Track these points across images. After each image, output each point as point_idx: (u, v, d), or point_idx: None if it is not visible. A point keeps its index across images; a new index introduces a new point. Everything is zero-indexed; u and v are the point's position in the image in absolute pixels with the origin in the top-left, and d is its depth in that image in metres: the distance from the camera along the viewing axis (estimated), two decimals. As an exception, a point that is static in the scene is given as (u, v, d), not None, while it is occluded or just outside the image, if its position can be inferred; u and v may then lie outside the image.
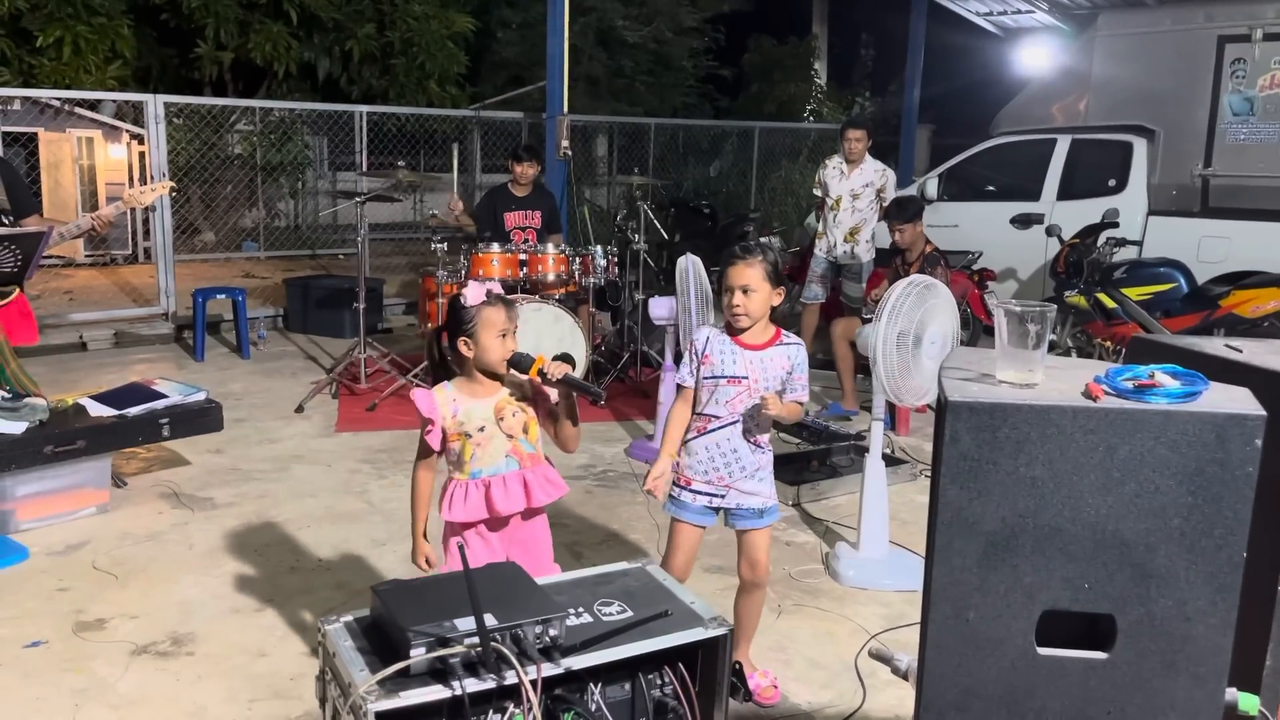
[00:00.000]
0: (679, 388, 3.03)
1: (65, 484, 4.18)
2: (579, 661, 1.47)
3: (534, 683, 1.40)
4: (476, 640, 1.41)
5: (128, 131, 10.08)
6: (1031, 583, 1.48)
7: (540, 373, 2.53)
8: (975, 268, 7.89)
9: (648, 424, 5.93)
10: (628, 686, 1.57)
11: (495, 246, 6.29)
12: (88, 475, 4.25)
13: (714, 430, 2.95)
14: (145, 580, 3.75)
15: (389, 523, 4.37)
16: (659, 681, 1.59)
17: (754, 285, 2.88)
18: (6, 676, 3.07)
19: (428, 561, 2.69)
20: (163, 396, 4.45)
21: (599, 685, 1.53)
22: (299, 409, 5.97)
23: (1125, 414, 1.43)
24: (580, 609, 1.62)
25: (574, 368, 6.27)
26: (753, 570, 3.09)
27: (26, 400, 4.11)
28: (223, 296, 7.41)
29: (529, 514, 2.70)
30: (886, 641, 3.53)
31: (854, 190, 6.99)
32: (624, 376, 6.85)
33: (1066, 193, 8.38)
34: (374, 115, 10.45)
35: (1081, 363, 1.78)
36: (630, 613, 1.62)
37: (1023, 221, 8.45)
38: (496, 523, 2.65)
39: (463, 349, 2.57)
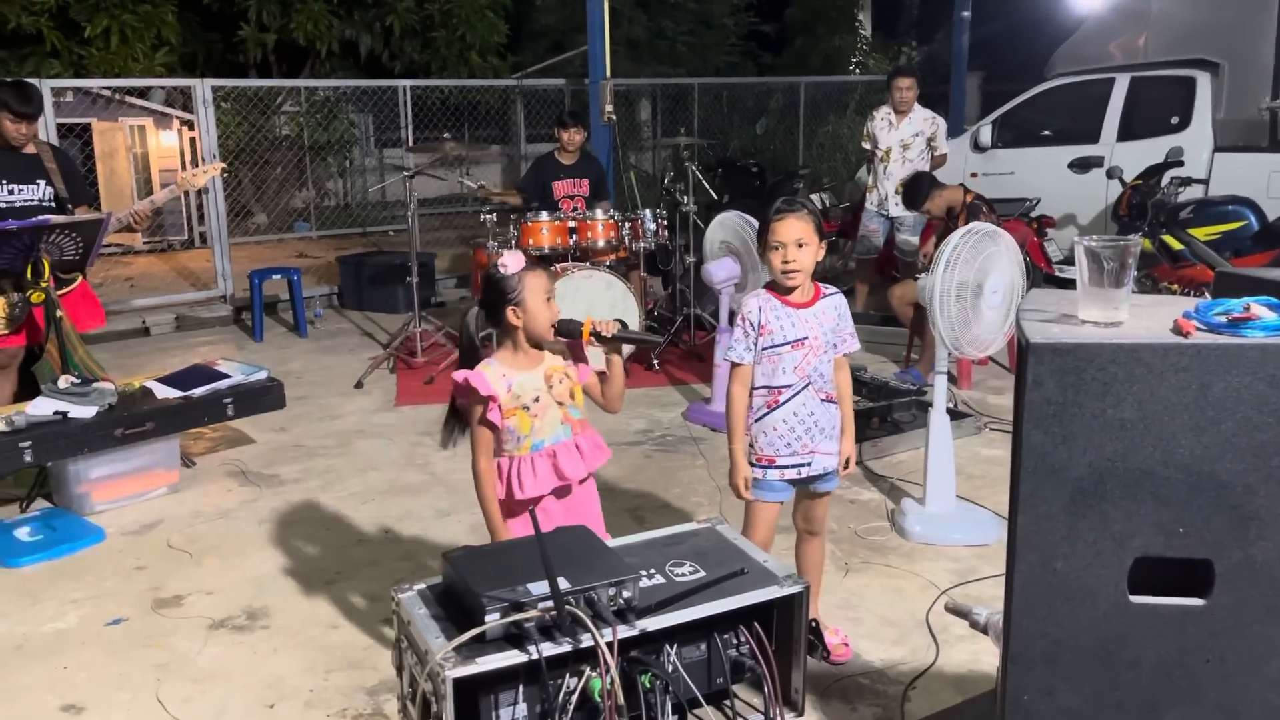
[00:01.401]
0: (734, 366, 2.90)
1: (136, 465, 4.26)
2: (654, 623, 1.45)
3: (610, 645, 1.38)
4: (551, 604, 1.39)
5: (178, 118, 10.20)
6: (1122, 529, 1.42)
7: (594, 333, 2.50)
8: (1033, 215, 7.69)
9: (704, 387, 5.89)
10: (703, 647, 1.54)
11: (544, 215, 6.26)
12: (157, 456, 4.33)
13: (789, 400, 2.87)
14: (218, 557, 3.82)
15: (452, 494, 4.40)
16: (735, 641, 1.56)
17: (807, 239, 2.78)
18: (90, 654, 3.15)
19: None
20: (226, 377, 4.51)
21: (674, 646, 1.51)
22: (358, 385, 6.03)
23: (1219, 349, 1.36)
24: (652, 570, 1.59)
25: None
26: (808, 521, 3.07)
27: (95, 385, 4.19)
28: (278, 277, 7.49)
29: (582, 480, 2.68)
30: (958, 597, 3.47)
31: (904, 140, 6.84)
32: (678, 340, 6.81)
33: (1127, 133, 8.12)
34: (417, 89, 10.44)
35: (1167, 299, 1.70)
36: (703, 573, 1.60)
37: (1081, 165, 8.21)
38: (561, 491, 2.63)
39: (512, 319, 2.53)
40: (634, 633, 1.43)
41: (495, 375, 2.54)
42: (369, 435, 5.20)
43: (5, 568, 3.71)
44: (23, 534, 3.89)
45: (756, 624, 1.54)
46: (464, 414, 2.62)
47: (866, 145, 7.13)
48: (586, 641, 1.39)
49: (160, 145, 10.16)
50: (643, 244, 6.45)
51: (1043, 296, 1.66)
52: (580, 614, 1.37)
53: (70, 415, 4.03)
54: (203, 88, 7.99)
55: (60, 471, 4.13)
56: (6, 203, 4.50)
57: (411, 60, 12.04)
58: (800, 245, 2.78)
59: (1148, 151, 7.48)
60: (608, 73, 8.83)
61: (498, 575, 1.45)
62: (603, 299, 6.06)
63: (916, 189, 5.99)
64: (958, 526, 3.96)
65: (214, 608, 3.42)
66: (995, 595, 3.46)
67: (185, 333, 7.56)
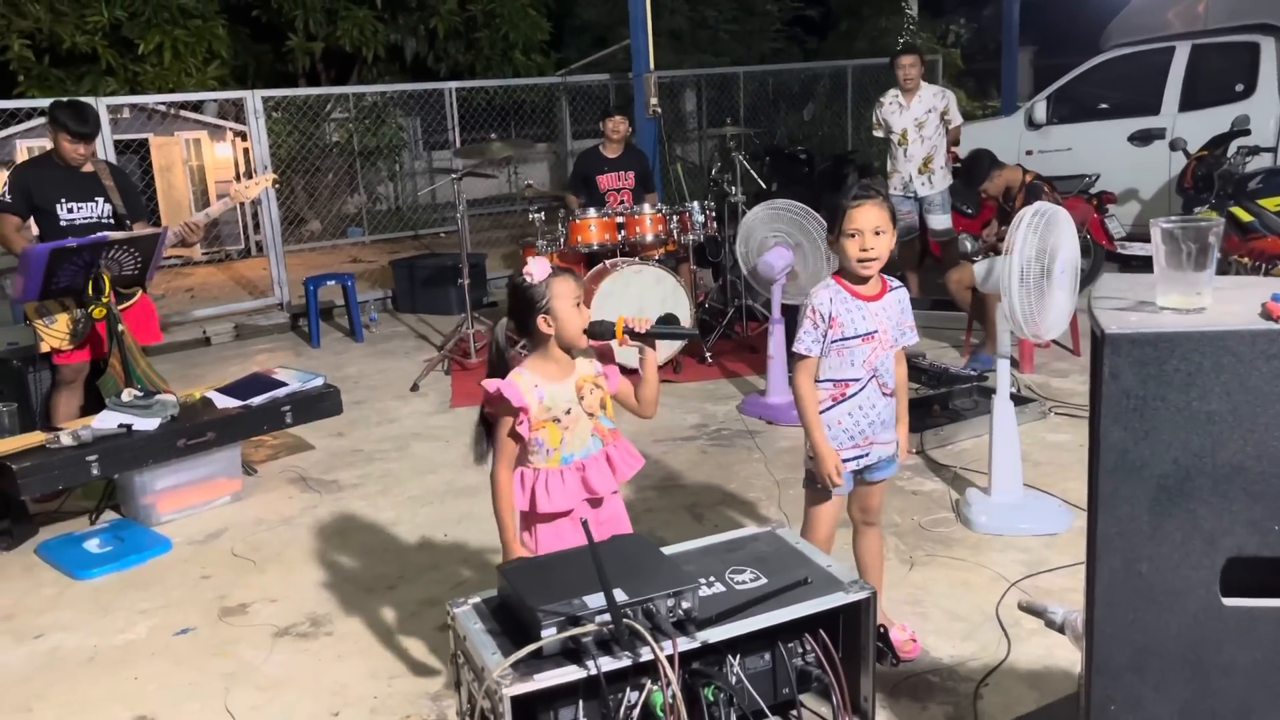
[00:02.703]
0: (801, 358, 2.82)
1: (199, 475, 4.32)
2: (716, 634, 1.40)
3: (670, 658, 1.33)
4: (608, 617, 1.35)
5: (231, 129, 10.36)
6: (1212, 528, 1.34)
7: (628, 331, 2.44)
8: (1093, 191, 7.49)
9: (758, 379, 5.82)
10: (767, 656, 1.49)
11: (591, 211, 6.23)
12: (220, 465, 4.38)
13: (855, 395, 2.81)
14: (281, 564, 3.85)
15: (509, 494, 4.38)
16: (800, 650, 1.51)
17: (884, 226, 2.69)
18: (160, 664, 3.19)
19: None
20: (283, 385, 4.56)
21: (737, 657, 1.46)
22: (414, 388, 6.06)
23: (1313, 334, 1.27)
24: (711, 578, 1.55)
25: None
26: (865, 511, 3.00)
27: (157, 397, 4.25)
28: (333, 283, 7.56)
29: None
30: (1028, 589, 3.38)
31: (917, 119, 6.73)
32: (730, 332, 6.74)
33: (1189, 103, 7.86)
34: (463, 90, 10.48)
35: (1251, 281, 1.61)
36: (764, 580, 1.55)
37: (1142, 138, 7.98)
38: (591, 504, 2.58)
39: (543, 327, 2.47)
40: (695, 645, 1.39)
41: (527, 386, 2.47)
42: (426, 438, 5.22)
43: (76, 579, 3.78)
44: (92, 546, 3.97)
45: (822, 631, 1.49)
46: (491, 422, 2.57)
47: (878, 133, 7.01)
48: (646, 655, 1.35)
49: (215, 157, 10.32)
50: (691, 236, 6.39)
51: (1115, 282, 1.58)
52: (638, 627, 1.33)
53: (134, 428, 4.10)
54: (254, 99, 8.09)
55: (127, 483, 4.20)
56: (67, 221, 4.59)
57: (456, 62, 12.10)
58: (878, 233, 2.70)
59: (1211, 121, 7.23)
60: (651, 65, 8.76)
61: (553, 588, 1.42)
62: (653, 293, 6.01)
63: (976, 167, 5.84)
64: (1025, 516, 3.85)
65: (278, 615, 3.45)
66: (1067, 588, 3.36)
67: (244, 341, 7.67)
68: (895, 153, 6.86)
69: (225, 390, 4.52)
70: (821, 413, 2.84)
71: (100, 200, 4.68)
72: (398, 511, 4.29)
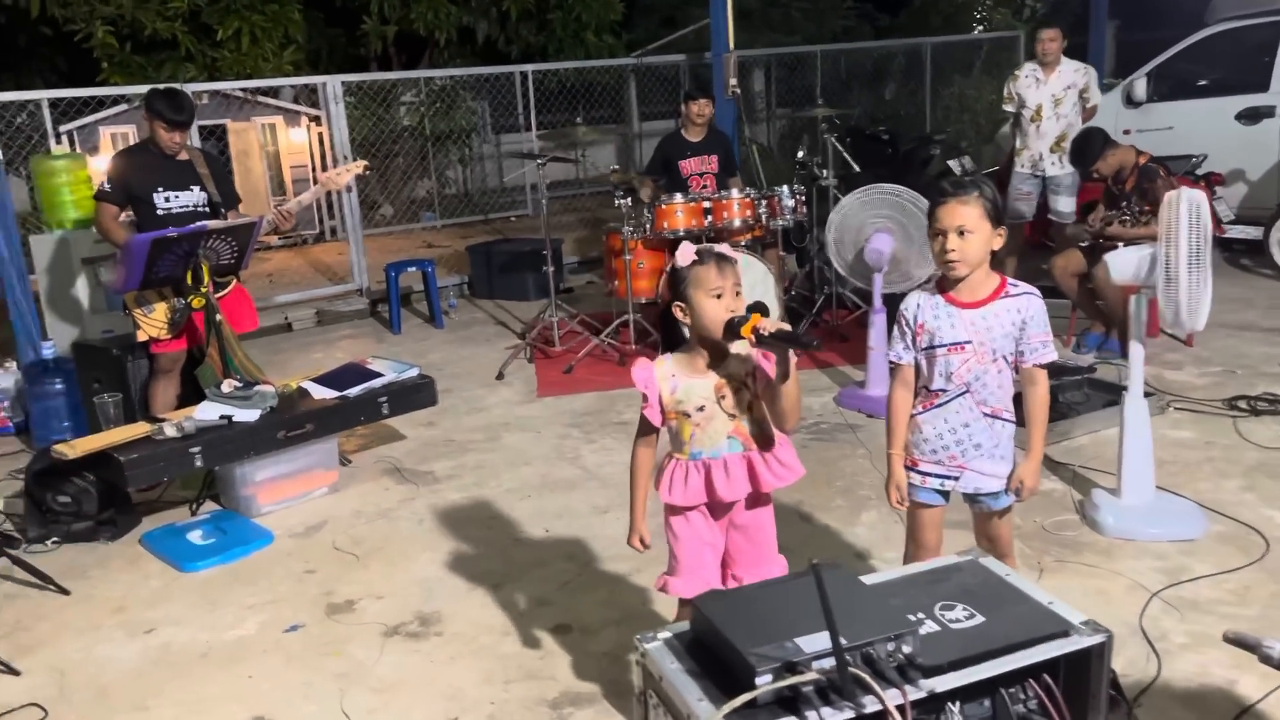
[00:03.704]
0: (893, 366, 2.68)
1: (298, 467, 4.28)
2: (943, 683, 1.27)
3: (901, 709, 1.21)
4: (828, 664, 1.23)
5: (306, 114, 10.37)
6: None
7: (754, 331, 2.29)
8: (1200, 172, 7.15)
9: (853, 370, 5.65)
10: (987, 704, 1.36)
11: (678, 197, 6.08)
12: (317, 457, 4.34)
13: (939, 407, 2.62)
14: (384, 559, 3.80)
15: (606, 488, 4.29)
16: (1022, 696, 1.37)
17: (970, 225, 2.47)
18: (272, 662, 3.15)
19: (642, 542, 2.53)
20: (378, 375, 4.50)
21: (958, 704, 1.33)
22: (499, 376, 5.99)
23: None
24: (921, 614, 1.42)
25: (768, 316, 6.10)
26: (993, 545, 2.75)
27: (256, 388, 4.22)
28: (413, 269, 7.52)
29: (753, 500, 2.49)
30: (1170, 598, 3.19)
31: (1055, 95, 6.43)
32: (819, 320, 6.56)
33: (1302, 79, 7.47)
34: (536, 73, 10.37)
35: None
36: (980, 618, 1.41)
37: (1250, 116, 7.60)
38: (719, 508, 2.47)
39: (678, 314, 2.38)
40: (922, 695, 1.26)
41: (664, 374, 2.41)
42: (516, 428, 5.14)
43: (182, 572, 3.76)
44: (195, 537, 3.95)
45: (1046, 676, 1.35)
46: None
47: (1009, 107, 6.71)
48: (868, 706, 1.22)
49: (290, 142, 10.35)
50: (780, 221, 6.22)
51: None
52: (865, 676, 1.21)
53: (235, 419, 4.07)
54: (333, 84, 8.06)
55: (227, 474, 4.18)
56: (164, 209, 4.56)
57: (528, 44, 11.98)
58: (963, 233, 2.48)
59: (1327, 98, 6.86)
60: (731, 45, 8.58)
61: (758, 628, 1.30)
62: (742, 280, 5.85)
63: (1088, 146, 5.57)
64: (1158, 519, 3.65)
65: (386, 613, 3.39)
66: (1216, 599, 3.18)
67: (326, 327, 7.67)
68: (1026, 129, 6.56)
69: (321, 380, 4.48)
70: (910, 418, 2.68)
71: (196, 188, 4.65)
72: (496, 505, 4.22)
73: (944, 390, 2.61)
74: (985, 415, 2.61)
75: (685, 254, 2.38)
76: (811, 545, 3.69)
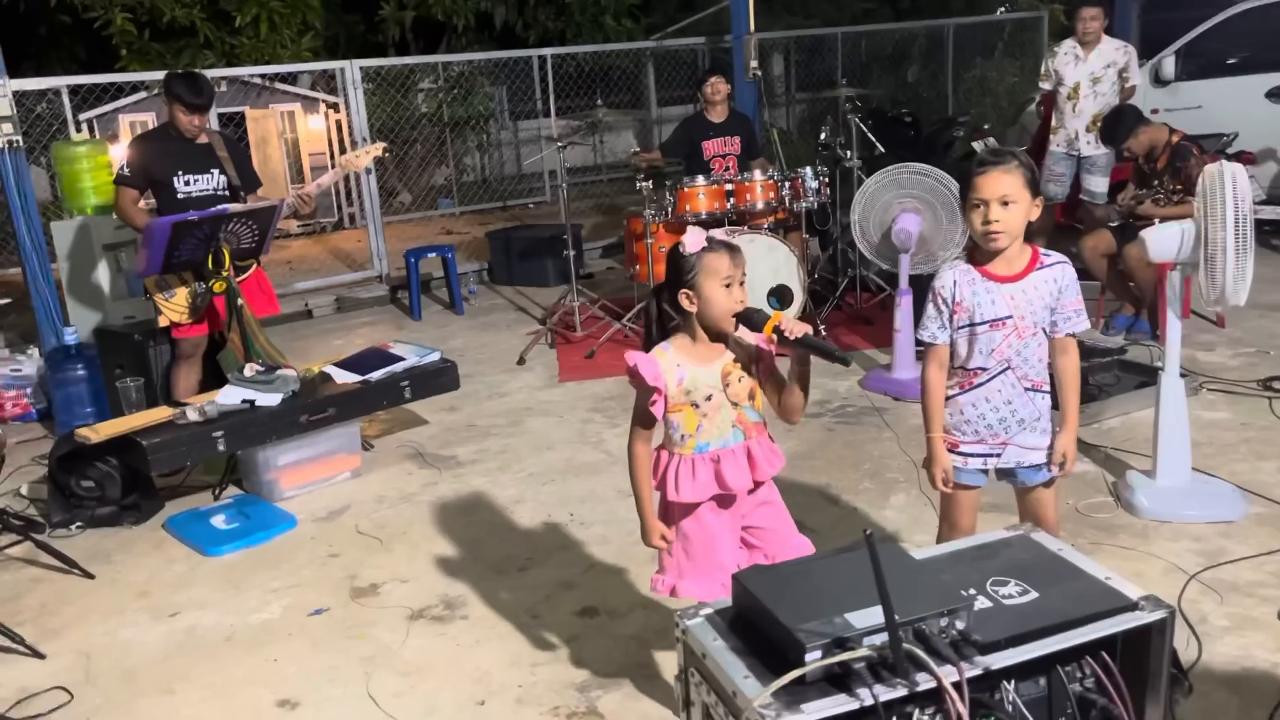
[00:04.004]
0: (927, 346, 2.61)
1: (320, 451, 4.26)
2: (998, 659, 1.22)
3: (957, 686, 1.16)
4: (880, 640, 1.18)
5: (324, 101, 10.35)
6: None
7: (776, 331, 2.22)
8: (1230, 151, 7.02)
9: (878, 353, 5.59)
10: (1043, 682, 1.31)
11: (700, 179, 6.02)
12: (339, 441, 4.32)
13: (981, 385, 2.56)
14: (407, 543, 3.77)
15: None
16: (1079, 674, 1.32)
17: (1013, 195, 2.40)
18: (298, 645, 3.12)
19: (664, 538, 2.42)
20: (400, 359, 4.47)
21: (1013, 682, 1.28)
22: (521, 361, 5.95)
23: None
24: (972, 590, 1.36)
25: (792, 300, 6.04)
26: (1039, 522, 2.69)
27: (278, 372, 4.20)
28: (433, 255, 7.49)
29: (754, 487, 2.44)
30: (1209, 581, 3.12)
31: (1094, 74, 6.31)
32: (842, 303, 6.49)
33: (1335, 56, 7.32)
34: (553, 58, 10.29)
35: None
36: (1034, 593, 1.36)
37: (1281, 94, 7.46)
38: (726, 499, 2.41)
39: (684, 303, 2.29)
40: (977, 672, 1.21)
41: (669, 364, 2.32)
42: (538, 413, 5.10)
43: (206, 556, 3.75)
44: (219, 522, 3.94)
45: (1104, 653, 1.30)
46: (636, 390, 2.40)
47: (1045, 85, 6.60)
48: (923, 683, 1.17)
49: (309, 129, 10.33)
50: (804, 204, 6.14)
51: None
52: (919, 653, 1.16)
53: (257, 403, 4.05)
54: (351, 69, 8.02)
55: (250, 458, 4.16)
56: (184, 193, 4.54)
57: (545, 29, 11.91)
58: (1005, 204, 2.41)
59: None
60: (751, 27, 8.50)
61: (804, 603, 1.25)
62: (765, 264, 5.80)
63: (1119, 123, 5.47)
64: (1194, 501, 3.58)
65: (411, 597, 3.36)
66: (1256, 581, 3.11)
67: (345, 314, 7.66)
68: (1063, 107, 6.45)
69: (343, 365, 4.45)
70: (947, 400, 2.62)
71: (215, 172, 4.62)
72: (519, 489, 4.18)
73: (984, 368, 2.56)
74: (1026, 390, 2.56)
75: (695, 240, 2.29)
76: (840, 528, 3.64)
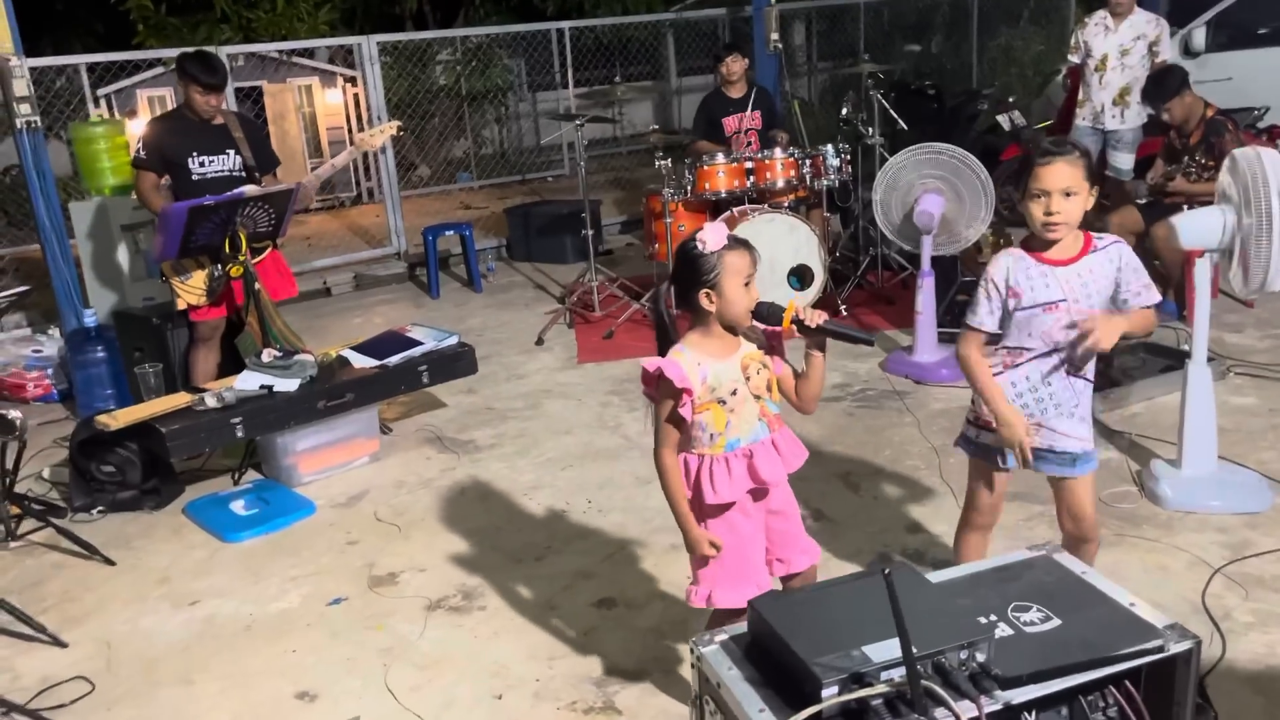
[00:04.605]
0: (972, 330, 2.57)
1: (339, 436, 4.26)
2: (1019, 695, 1.19)
3: (976, 722, 1.13)
4: (898, 675, 1.15)
5: (341, 75, 10.29)
6: None
7: (796, 321, 2.19)
8: (1262, 125, 6.88)
9: (899, 334, 5.52)
10: (1065, 712, 1.28)
11: (720, 157, 5.96)
12: (358, 426, 4.32)
13: (1023, 364, 2.54)
14: (426, 531, 3.77)
15: (648, 458, 4.08)
16: (1101, 703, 1.29)
17: (1075, 187, 2.39)
18: (316, 635, 3.14)
19: (714, 545, 2.36)
20: (419, 344, 4.46)
21: (1034, 713, 1.25)
22: (539, 341, 5.92)
23: None
24: (994, 617, 1.33)
25: (813, 280, 5.98)
26: (1077, 524, 2.67)
27: (296, 357, 4.19)
28: (451, 233, 7.45)
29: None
30: (1234, 575, 3.08)
31: (1123, 45, 6.17)
32: (863, 283, 6.42)
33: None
34: (573, 30, 10.18)
35: None
36: (1056, 620, 1.32)
37: (1315, 66, 7.29)
38: (757, 494, 2.38)
39: (704, 303, 2.25)
40: (998, 707, 1.18)
41: (690, 364, 2.27)
42: (557, 396, 5.08)
43: (226, 542, 3.76)
44: (238, 507, 3.95)
45: (1128, 683, 1.27)
46: (651, 400, 2.36)
47: (1073, 58, 6.47)
48: (942, 718, 1.15)
49: (326, 104, 10.27)
50: (825, 181, 6.06)
51: None
52: (937, 689, 1.13)
53: (275, 389, 4.05)
54: (368, 44, 7.95)
55: (268, 444, 4.17)
56: (199, 175, 4.52)
57: (564, 1, 11.79)
58: (1068, 195, 2.40)
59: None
60: (772, -1, 8.37)
61: (821, 634, 1.22)
62: (785, 243, 5.75)
63: (1165, 82, 5.29)
64: (1220, 491, 3.53)
65: (428, 586, 3.37)
66: (1278, 574, 3.06)
67: (364, 291, 7.65)
68: (1090, 80, 6.31)
69: (360, 349, 4.44)
70: None
71: (231, 153, 4.59)
72: (537, 475, 4.17)
73: (1029, 349, 2.54)
74: (1069, 375, 2.54)
75: (717, 237, 2.25)
76: (862, 516, 3.61)
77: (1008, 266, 2.53)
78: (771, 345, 2.37)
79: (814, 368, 2.33)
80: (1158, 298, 2.53)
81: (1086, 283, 2.48)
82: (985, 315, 2.56)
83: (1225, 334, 5.16)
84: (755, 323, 2.30)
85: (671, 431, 2.33)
